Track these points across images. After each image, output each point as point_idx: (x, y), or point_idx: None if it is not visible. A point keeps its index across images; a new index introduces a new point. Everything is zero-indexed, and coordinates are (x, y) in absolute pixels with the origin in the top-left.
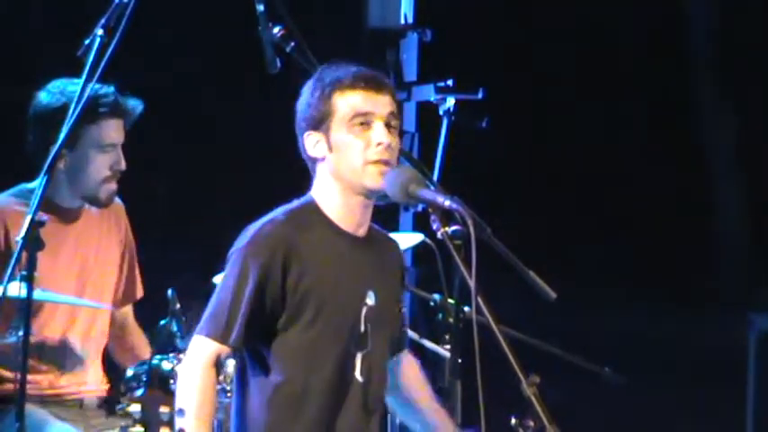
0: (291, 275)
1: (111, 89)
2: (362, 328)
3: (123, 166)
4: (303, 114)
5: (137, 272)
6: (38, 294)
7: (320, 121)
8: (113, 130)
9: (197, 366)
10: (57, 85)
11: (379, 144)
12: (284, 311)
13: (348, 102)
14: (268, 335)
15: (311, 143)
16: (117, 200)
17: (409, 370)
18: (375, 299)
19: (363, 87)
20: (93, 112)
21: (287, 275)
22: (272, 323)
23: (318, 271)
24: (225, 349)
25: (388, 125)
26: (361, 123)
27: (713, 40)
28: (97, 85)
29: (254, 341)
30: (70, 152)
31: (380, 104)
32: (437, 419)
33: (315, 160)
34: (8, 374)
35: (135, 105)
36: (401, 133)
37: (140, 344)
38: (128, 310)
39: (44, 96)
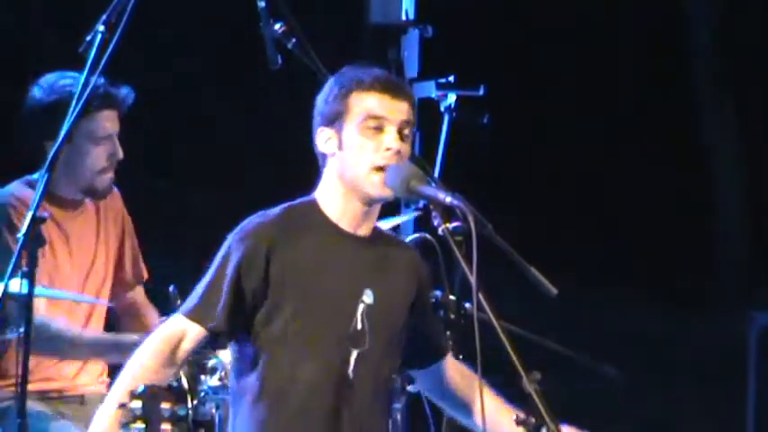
0: (274, 267)
1: (101, 80)
2: (359, 326)
3: (120, 155)
4: (319, 109)
5: (139, 253)
6: (38, 291)
7: (334, 119)
8: (107, 121)
9: (157, 334)
10: (48, 79)
11: (388, 149)
12: (268, 305)
13: (364, 103)
14: (252, 327)
15: (323, 139)
16: (114, 188)
17: (457, 375)
18: (374, 298)
19: (381, 90)
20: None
21: (269, 266)
22: (254, 314)
23: (305, 265)
24: (195, 327)
25: (400, 132)
26: (374, 127)
27: (713, 39)
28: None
29: (240, 333)
30: (66, 146)
31: (396, 110)
32: (501, 418)
33: (325, 156)
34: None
35: (126, 94)
36: None
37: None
38: (139, 290)
39: (35, 91)
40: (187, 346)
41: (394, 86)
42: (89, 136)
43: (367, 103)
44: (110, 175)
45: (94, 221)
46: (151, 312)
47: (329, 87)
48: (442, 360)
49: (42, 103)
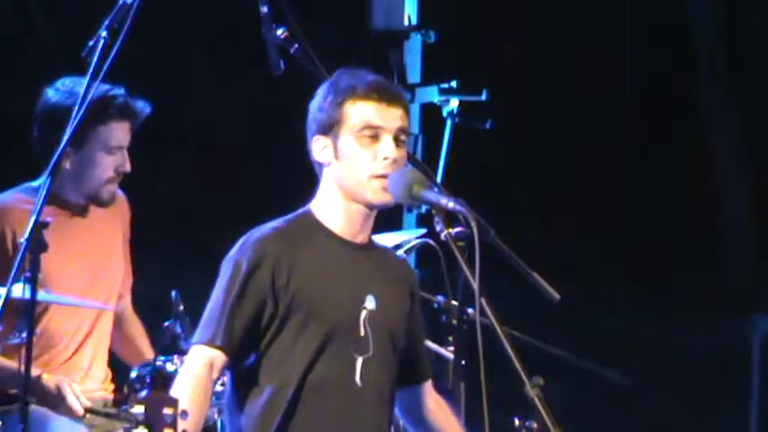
0: (280, 280)
1: (122, 91)
2: (362, 332)
3: (128, 167)
4: (314, 117)
5: (129, 258)
6: (41, 296)
7: (330, 127)
8: (121, 132)
9: (186, 372)
10: (66, 83)
11: (385, 158)
12: (276, 317)
13: (359, 112)
14: (260, 341)
15: (318, 147)
16: (120, 192)
17: (434, 404)
18: (376, 303)
19: (376, 99)
20: (102, 113)
21: (276, 280)
22: (265, 329)
23: (309, 275)
24: (218, 354)
25: (396, 139)
26: (371, 136)
27: (717, 39)
28: (107, 87)
29: (249, 348)
30: (76, 152)
31: (391, 118)
32: None
33: (321, 165)
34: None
35: (143, 107)
36: None
37: (140, 336)
38: (126, 301)
39: (52, 94)
40: (215, 375)
41: (389, 93)
42: (102, 145)
43: (363, 112)
44: (114, 187)
45: (103, 224)
46: (135, 326)
47: (323, 95)
48: (421, 384)
49: (60, 106)
